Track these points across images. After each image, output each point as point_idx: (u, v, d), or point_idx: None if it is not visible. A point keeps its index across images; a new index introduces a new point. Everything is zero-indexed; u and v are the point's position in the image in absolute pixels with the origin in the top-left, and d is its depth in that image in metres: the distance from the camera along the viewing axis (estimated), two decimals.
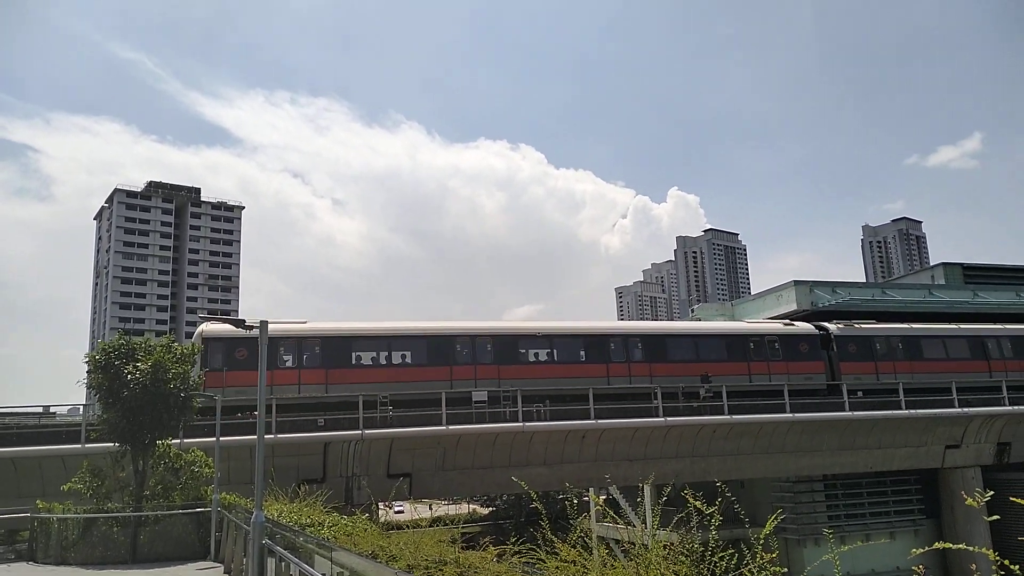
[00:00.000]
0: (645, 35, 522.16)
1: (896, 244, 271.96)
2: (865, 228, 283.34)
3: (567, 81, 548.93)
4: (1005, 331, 39.80)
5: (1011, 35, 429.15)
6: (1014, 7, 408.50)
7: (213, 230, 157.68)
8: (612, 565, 6.67)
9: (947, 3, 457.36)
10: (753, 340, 35.29)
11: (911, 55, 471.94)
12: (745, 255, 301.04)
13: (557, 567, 6.80)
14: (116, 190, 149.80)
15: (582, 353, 33.17)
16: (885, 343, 37.18)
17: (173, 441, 21.04)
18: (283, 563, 9.67)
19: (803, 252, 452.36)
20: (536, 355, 32.99)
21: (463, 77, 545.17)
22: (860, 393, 35.01)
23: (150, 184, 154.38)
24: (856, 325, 37.89)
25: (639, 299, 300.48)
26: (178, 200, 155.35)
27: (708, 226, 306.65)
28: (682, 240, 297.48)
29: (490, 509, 74.53)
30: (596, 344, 33.43)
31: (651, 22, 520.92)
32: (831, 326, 37.02)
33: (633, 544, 7.05)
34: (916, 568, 5.71)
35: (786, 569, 6.70)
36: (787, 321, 38.19)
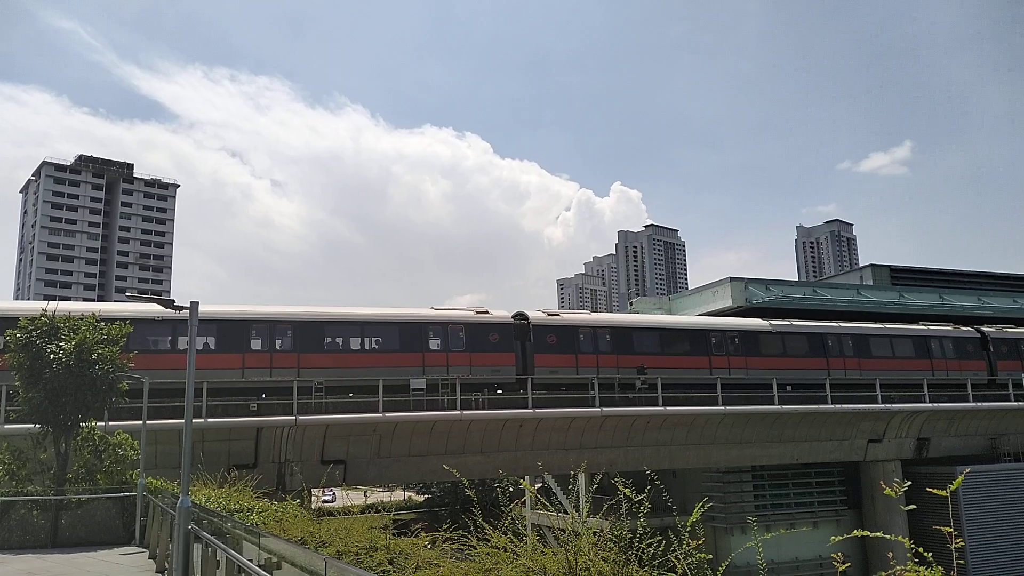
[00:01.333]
0: (596, 32, 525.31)
1: (828, 245, 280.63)
2: (799, 229, 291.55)
3: (516, 72, 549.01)
4: (727, 325, 38.12)
5: (943, 48, 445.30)
6: (945, 22, 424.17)
7: (146, 208, 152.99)
8: (543, 551, 6.72)
9: (882, 18, 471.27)
10: (432, 328, 31.82)
11: (848, 64, 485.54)
12: (684, 251, 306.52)
13: (488, 553, 6.83)
14: (44, 163, 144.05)
15: (212, 342, 29.10)
16: (590, 335, 34.25)
17: (98, 424, 20.38)
18: (209, 549, 9.48)
19: (739, 250, 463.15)
20: (156, 343, 29.11)
21: (411, 62, 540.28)
22: (789, 388, 35.99)
23: (80, 158, 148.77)
24: (562, 315, 35.22)
25: (580, 291, 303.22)
26: (109, 175, 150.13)
27: (649, 221, 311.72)
28: (623, 235, 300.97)
29: (425, 497, 74.43)
30: (232, 331, 29.31)
31: (603, 19, 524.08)
32: (532, 314, 34.00)
33: (564, 531, 7.12)
34: (835, 555, 5.89)
35: (711, 556, 6.86)
36: (480, 309, 34.48)
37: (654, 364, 34.34)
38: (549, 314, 34.77)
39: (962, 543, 4.64)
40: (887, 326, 41.67)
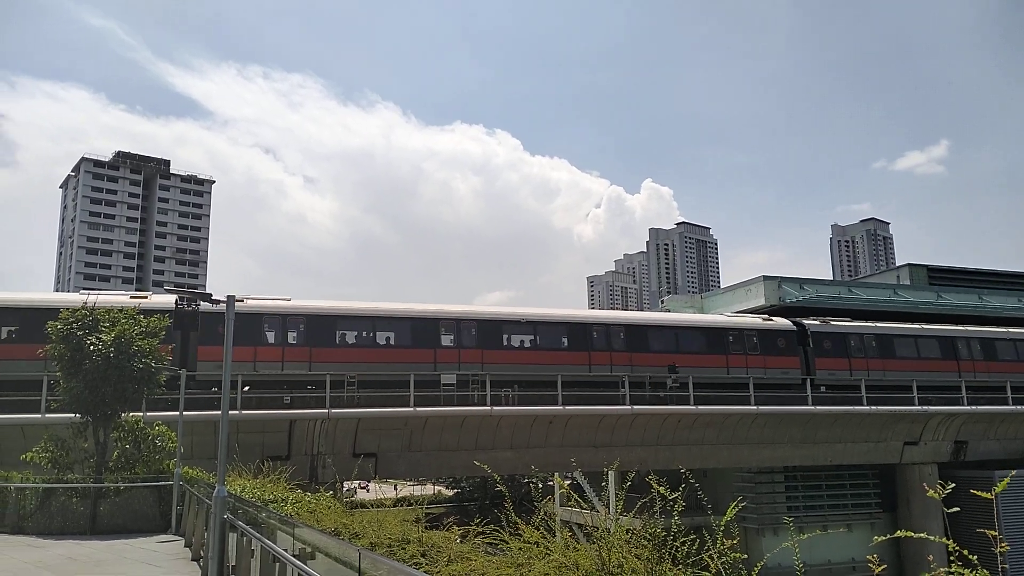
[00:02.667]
0: (626, 30, 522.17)
1: (864, 244, 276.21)
2: (834, 227, 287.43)
3: (546, 70, 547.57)
4: (463, 313, 32.49)
5: (979, 46, 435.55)
6: (981, 19, 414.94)
7: (182, 203, 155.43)
8: (575, 548, 6.71)
9: (917, 14, 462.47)
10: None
11: (882, 62, 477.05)
12: (716, 249, 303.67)
13: (520, 548, 6.84)
14: (83, 159, 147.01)
15: None
16: (278, 323, 29.60)
17: (136, 414, 20.76)
18: (244, 538, 9.59)
19: (773, 248, 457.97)
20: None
21: (441, 60, 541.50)
22: (824, 388, 35.51)
23: (118, 154, 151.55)
24: (248, 301, 28.98)
25: (610, 289, 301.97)
26: (147, 171, 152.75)
27: (681, 219, 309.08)
28: (655, 232, 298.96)
29: (455, 491, 74.72)
30: None
31: (632, 16, 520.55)
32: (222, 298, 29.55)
33: (596, 528, 7.10)
34: (871, 557, 5.80)
35: (746, 555, 6.80)
36: (138, 294, 30.13)
37: (361, 357, 30.17)
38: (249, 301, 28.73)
39: (1007, 547, 4.55)
40: (673, 315, 37.48)
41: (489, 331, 32.08)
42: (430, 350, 30.83)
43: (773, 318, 38.55)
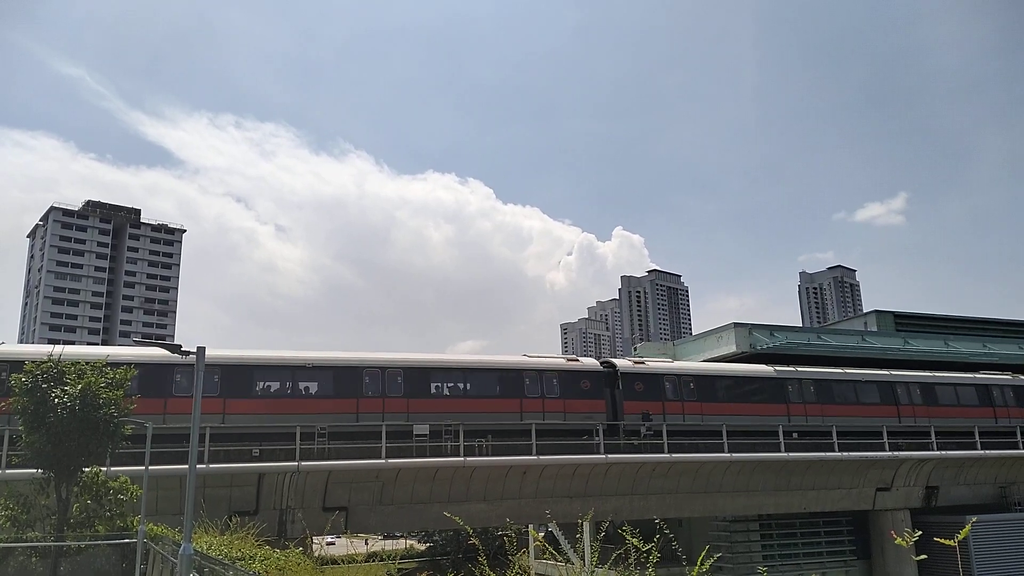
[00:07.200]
0: (597, 80, 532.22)
1: (831, 291, 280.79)
2: (802, 275, 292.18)
3: (518, 119, 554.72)
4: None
5: (939, 97, 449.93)
6: (939, 74, 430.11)
7: (152, 253, 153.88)
8: None
9: (877, 70, 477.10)
10: None
11: (841, 115, 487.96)
12: (687, 296, 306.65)
13: None
14: (52, 208, 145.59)
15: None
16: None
17: (100, 469, 20.24)
18: None
19: (743, 295, 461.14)
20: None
21: (414, 109, 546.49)
22: (795, 435, 35.68)
23: (88, 203, 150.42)
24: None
25: (584, 336, 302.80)
26: (116, 221, 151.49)
27: (652, 266, 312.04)
28: (626, 280, 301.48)
29: (427, 545, 73.33)
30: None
31: (602, 66, 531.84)
32: None
33: None
34: None
35: None
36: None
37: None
38: None
39: None
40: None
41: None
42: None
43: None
